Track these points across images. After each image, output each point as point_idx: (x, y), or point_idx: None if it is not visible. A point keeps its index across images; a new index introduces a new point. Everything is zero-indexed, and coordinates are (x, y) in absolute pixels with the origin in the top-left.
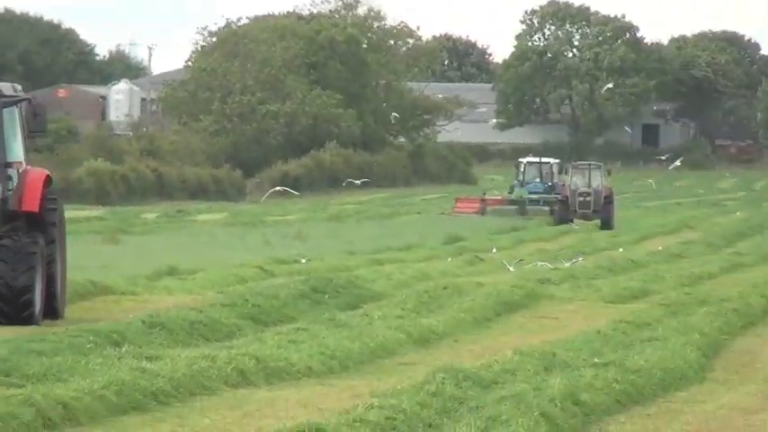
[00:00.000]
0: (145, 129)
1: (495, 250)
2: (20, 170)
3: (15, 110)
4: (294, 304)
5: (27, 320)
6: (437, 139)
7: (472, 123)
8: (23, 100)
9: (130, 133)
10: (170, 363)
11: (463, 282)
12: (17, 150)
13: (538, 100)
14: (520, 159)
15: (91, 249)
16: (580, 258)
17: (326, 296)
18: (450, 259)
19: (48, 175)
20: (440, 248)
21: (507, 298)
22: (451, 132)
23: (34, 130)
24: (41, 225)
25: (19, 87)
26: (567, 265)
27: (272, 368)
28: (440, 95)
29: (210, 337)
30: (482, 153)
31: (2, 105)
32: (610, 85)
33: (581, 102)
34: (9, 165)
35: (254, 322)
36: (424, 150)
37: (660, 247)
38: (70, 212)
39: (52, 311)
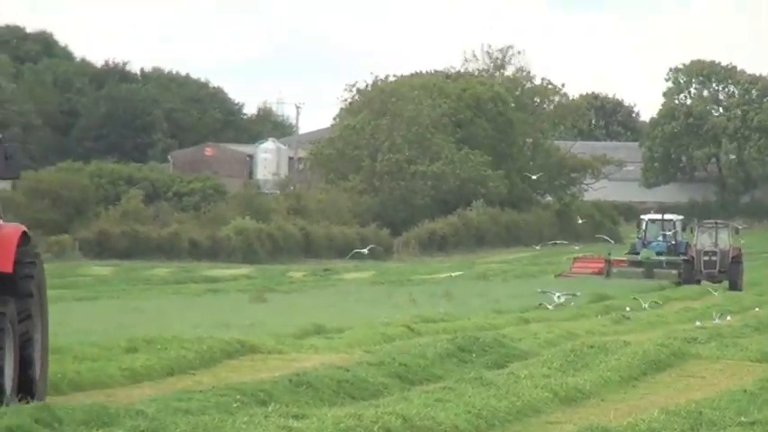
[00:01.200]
0: (292, 187)
1: (629, 309)
2: None
3: None
4: (441, 363)
5: None
6: (584, 197)
7: (619, 182)
8: None
9: (278, 192)
10: (317, 422)
11: (609, 340)
12: None
13: (684, 158)
14: (641, 216)
15: (238, 308)
16: (728, 317)
17: (473, 355)
18: (597, 317)
19: (24, 232)
20: (586, 307)
21: (654, 357)
22: (598, 191)
23: (6, 175)
24: (13, 292)
25: None
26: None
27: (418, 427)
28: (586, 154)
29: (357, 396)
30: (629, 212)
31: None
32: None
33: (728, 161)
34: None
35: (401, 381)
36: (570, 209)
37: None
38: (218, 271)
39: (31, 395)
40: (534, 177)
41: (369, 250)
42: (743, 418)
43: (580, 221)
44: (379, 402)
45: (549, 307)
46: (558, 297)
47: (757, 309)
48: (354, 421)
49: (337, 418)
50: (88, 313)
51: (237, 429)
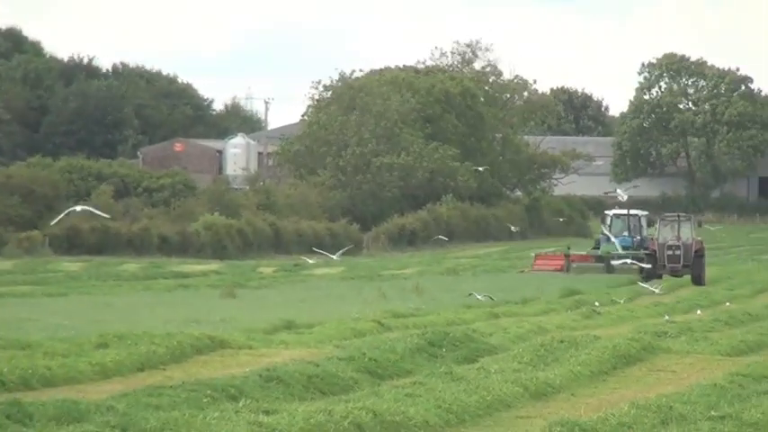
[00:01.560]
0: (261, 183)
1: (598, 303)
2: None
3: None
4: (411, 358)
5: None
6: (553, 192)
7: (589, 176)
8: None
9: (247, 187)
10: (287, 417)
11: (580, 335)
12: None
13: (654, 152)
14: (606, 212)
15: (209, 303)
16: (698, 311)
17: (443, 350)
18: (567, 312)
19: None
20: (556, 302)
21: (624, 351)
22: (567, 185)
23: None
24: None
25: None
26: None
27: (388, 422)
28: (556, 148)
29: (327, 391)
30: (598, 206)
31: None
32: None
33: (697, 155)
34: None
35: (371, 376)
36: (540, 204)
37: None
38: (188, 266)
39: None
40: (480, 169)
41: (339, 256)
42: (713, 413)
43: (561, 220)
44: (349, 397)
45: (480, 297)
46: (483, 297)
47: (728, 303)
48: (325, 416)
49: (307, 414)
50: (58, 309)
51: (208, 425)
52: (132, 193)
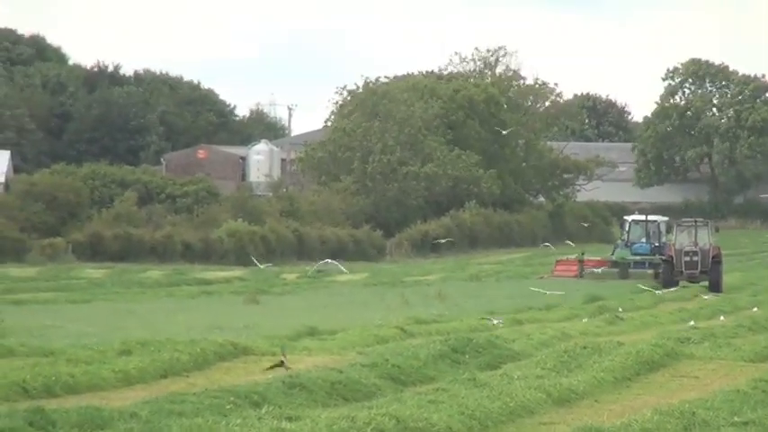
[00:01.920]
0: (284, 189)
1: (621, 309)
2: None
3: None
4: (434, 364)
5: None
6: (576, 198)
7: (612, 182)
8: None
9: (270, 194)
10: (310, 423)
11: (603, 341)
12: None
13: (677, 158)
14: (624, 217)
15: (232, 310)
16: (721, 317)
17: (466, 356)
18: (585, 319)
19: None
20: (579, 308)
21: (647, 357)
22: (591, 191)
23: None
24: None
25: None
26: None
27: (411, 428)
28: (579, 154)
29: (350, 398)
30: (622, 212)
31: None
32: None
33: (720, 160)
34: None
35: (394, 382)
36: (563, 210)
37: None
38: (211, 273)
39: None
40: (504, 132)
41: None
42: (736, 419)
43: (585, 225)
44: (372, 404)
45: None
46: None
47: (756, 309)
48: (348, 423)
49: (330, 420)
50: (81, 316)
51: (231, 431)
52: (155, 200)
